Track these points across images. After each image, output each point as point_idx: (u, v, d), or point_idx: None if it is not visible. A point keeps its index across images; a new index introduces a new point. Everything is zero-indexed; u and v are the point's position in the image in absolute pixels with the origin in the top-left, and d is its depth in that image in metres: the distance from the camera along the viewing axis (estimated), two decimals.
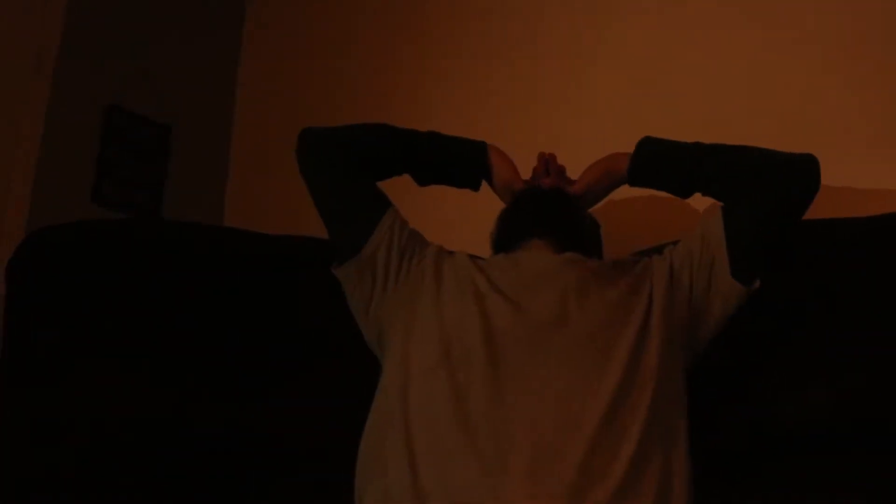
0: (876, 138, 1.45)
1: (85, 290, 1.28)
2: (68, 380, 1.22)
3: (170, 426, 1.22)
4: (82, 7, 2.18)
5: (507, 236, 1.32)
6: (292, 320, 1.33)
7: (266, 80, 2.60)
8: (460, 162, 1.38)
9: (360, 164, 1.30)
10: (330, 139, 1.32)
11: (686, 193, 1.32)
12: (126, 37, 2.28)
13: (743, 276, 1.16)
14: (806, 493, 1.12)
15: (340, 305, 1.26)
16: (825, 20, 1.55)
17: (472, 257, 1.24)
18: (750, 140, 1.27)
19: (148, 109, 2.30)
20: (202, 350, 1.28)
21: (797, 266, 1.22)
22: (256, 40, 2.66)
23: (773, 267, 1.18)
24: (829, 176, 1.19)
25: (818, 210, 1.20)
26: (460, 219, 1.64)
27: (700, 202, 1.37)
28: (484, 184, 1.41)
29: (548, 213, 1.31)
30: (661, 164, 1.31)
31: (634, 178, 1.33)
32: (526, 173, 1.42)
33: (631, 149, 1.33)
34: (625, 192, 1.39)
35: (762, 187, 1.19)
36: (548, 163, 1.41)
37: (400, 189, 1.37)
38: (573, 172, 1.42)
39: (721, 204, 1.23)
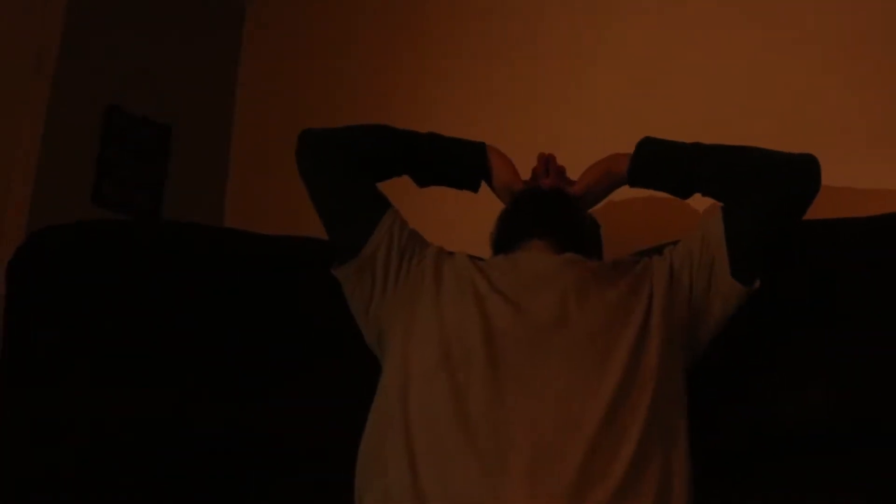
0: (876, 138, 1.45)
1: (85, 291, 1.28)
2: (68, 380, 1.22)
3: (170, 426, 1.22)
4: (82, 7, 2.18)
5: (506, 237, 1.32)
6: (292, 321, 1.33)
7: (266, 80, 2.60)
8: (459, 163, 1.38)
9: (360, 165, 1.29)
10: (329, 140, 1.32)
11: (686, 194, 1.32)
12: (126, 37, 2.28)
13: (743, 276, 1.16)
14: (806, 493, 1.12)
15: (340, 306, 1.26)
16: (825, 20, 1.54)
17: (472, 258, 1.24)
18: (750, 140, 1.27)
19: (148, 110, 2.30)
20: (202, 350, 1.28)
21: (797, 266, 1.22)
22: (256, 40, 2.66)
23: (774, 267, 1.18)
24: (829, 176, 1.19)
25: (818, 210, 1.20)
26: (460, 219, 1.64)
27: (700, 203, 1.37)
28: (483, 184, 1.41)
29: (548, 213, 1.31)
30: (660, 164, 1.31)
31: (634, 179, 1.33)
32: (526, 174, 1.42)
33: (631, 149, 1.33)
34: (625, 192, 1.39)
35: (762, 187, 1.19)
36: (548, 163, 1.41)
37: (400, 190, 1.37)
38: (573, 173, 1.42)
39: (721, 204, 1.23)
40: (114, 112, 2.21)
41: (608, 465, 0.97)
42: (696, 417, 1.10)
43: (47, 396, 1.21)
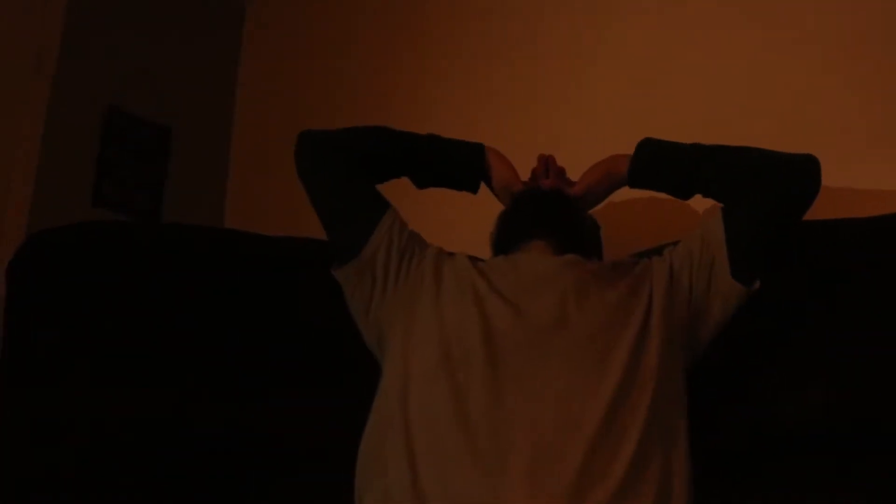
0: (876, 138, 1.44)
1: (85, 292, 1.28)
2: (68, 380, 1.22)
3: (170, 426, 1.22)
4: (82, 7, 2.18)
5: (506, 237, 1.32)
6: (292, 321, 1.33)
7: (266, 80, 2.60)
8: (458, 164, 1.38)
9: (359, 166, 1.29)
10: (328, 142, 1.32)
11: (686, 195, 1.32)
12: (126, 38, 2.28)
13: (743, 276, 1.16)
14: (806, 493, 1.12)
15: (340, 306, 1.26)
16: (825, 20, 1.54)
17: (472, 259, 1.24)
18: (750, 140, 1.26)
19: (148, 110, 2.30)
20: (202, 351, 1.28)
21: (797, 266, 1.22)
22: (256, 40, 2.66)
23: (774, 267, 1.18)
24: (829, 176, 1.19)
25: (818, 211, 1.20)
26: (459, 220, 1.64)
27: (700, 203, 1.37)
28: (483, 186, 1.41)
29: (547, 214, 1.31)
30: (660, 165, 1.31)
31: (634, 180, 1.33)
32: (526, 174, 1.42)
33: (631, 149, 1.33)
34: (625, 193, 1.39)
35: (762, 188, 1.19)
36: (547, 164, 1.41)
37: (399, 191, 1.37)
38: (573, 173, 1.42)
39: (721, 205, 1.23)
40: (114, 113, 2.21)
41: (608, 466, 0.97)
42: (696, 417, 1.10)
43: (47, 397, 1.21)
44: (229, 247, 1.41)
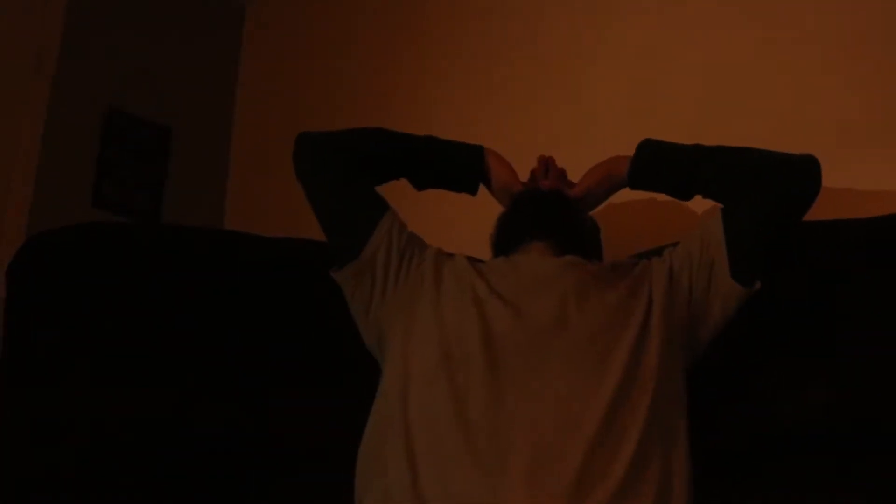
0: (876, 138, 1.44)
1: (85, 292, 1.28)
2: (68, 381, 1.22)
3: (170, 426, 1.22)
4: (82, 8, 2.18)
5: (506, 239, 1.32)
6: (292, 322, 1.33)
7: (266, 80, 2.60)
8: (457, 166, 1.38)
9: (358, 168, 1.29)
10: (327, 143, 1.32)
11: (686, 196, 1.32)
12: (126, 38, 2.29)
13: (743, 277, 1.16)
14: (806, 493, 1.12)
15: (340, 307, 1.26)
16: (825, 20, 1.54)
17: (472, 260, 1.24)
18: (750, 140, 1.26)
19: (148, 111, 2.30)
20: (202, 351, 1.28)
21: (797, 266, 1.22)
22: (256, 40, 2.66)
23: (774, 267, 1.18)
24: (829, 177, 1.19)
25: (817, 211, 1.20)
26: (458, 221, 1.64)
27: (700, 205, 1.37)
28: (482, 187, 1.41)
29: (547, 215, 1.31)
30: (660, 166, 1.30)
31: (634, 181, 1.33)
32: (526, 174, 1.42)
33: (631, 150, 1.33)
34: (624, 194, 1.39)
35: (762, 188, 1.19)
36: (547, 165, 1.41)
37: (398, 192, 1.36)
38: (573, 173, 1.42)
39: (721, 206, 1.22)
40: (114, 113, 2.21)
41: (608, 466, 0.97)
42: (696, 417, 1.10)
43: (47, 397, 1.21)
44: (229, 247, 1.41)
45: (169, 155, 2.33)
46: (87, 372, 1.23)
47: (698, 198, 1.31)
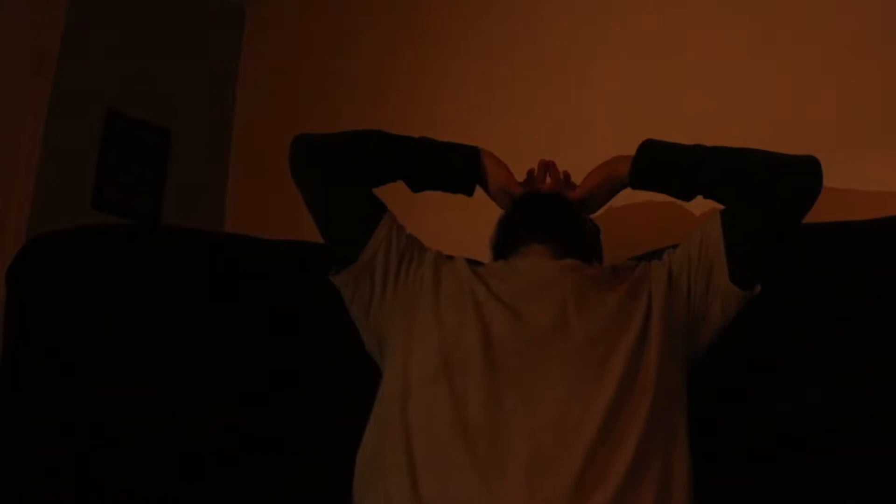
0: (876, 140, 1.44)
1: (85, 294, 1.28)
2: (68, 383, 1.22)
3: (169, 428, 1.22)
4: (82, 11, 2.18)
5: (506, 242, 1.32)
6: (292, 324, 1.33)
7: (266, 82, 2.60)
8: (454, 167, 1.37)
9: (355, 170, 1.29)
10: (323, 146, 1.31)
11: (687, 196, 1.32)
12: (126, 41, 2.29)
13: (742, 280, 1.16)
14: (806, 493, 1.12)
15: (340, 309, 1.26)
16: (825, 20, 1.54)
17: (471, 263, 1.24)
18: (749, 141, 1.26)
19: (148, 113, 2.31)
20: (202, 353, 1.28)
21: (797, 267, 1.22)
22: (256, 42, 2.66)
23: (774, 269, 1.18)
24: (829, 178, 1.18)
25: (817, 213, 1.19)
26: (456, 222, 1.64)
27: (701, 207, 1.37)
28: (478, 188, 1.40)
29: (547, 218, 1.31)
30: (661, 166, 1.30)
31: (635, 181, 1.32)
32: (525, 175, 1.42)
33: (631, 150, 1.32)
34: (625, 196, 1.39)
35: (763, 189, 1.18)
36: (547, 168, 1.41)
37: (396, 194, 1.36)
38: (574, 174, 1.41)
39: (720, 209, 1.22)
40: (114, 116, 2.21)
41: (607, 470, 0.97)
42: (695, 417, 1.10)
43: (47, 399, 1.22)
44: (229, 249, 1.41)
45: (169, 157, 2.34)
46: (87, 374, 1.23)
47: (699, 200, 1.31)
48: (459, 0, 2.18)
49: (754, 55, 1.61)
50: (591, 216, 1.41)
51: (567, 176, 1.41)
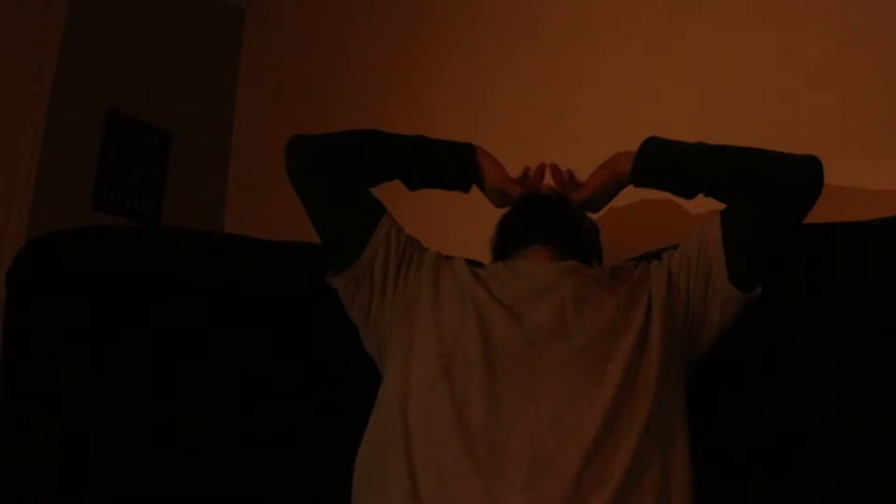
0: (875, 141, 1.44)
1: (85, 296, 1.28)
2: (68, 385, 1.22)
3: (169, 428, 1.22)
4: (83, 13, 2.19)
5: (507, 243, 1.32)
6: (292, 324, 1.33)
7: (265, 84, 2.61)
8: (450, 165, 1.37)
9: (351, 170, 1.28)
10: (319, 147, 1.30)
11: (689, 194, 1.31)
12: (126, 43, 2.29)
13: (741, 281, 1.15)
14: (806, 494, 1.11)
15: (340, 310, 1.27)
16: (825, 22, 1.54)
17: (471, 265, 1.24)
18: (749, 142, 1.26)
19: (148, 115, 2.31)
20: (202, 353, 1.28)
21: (797, 268, 1.22)
22: (256, 44, 2.67)
23: (774, 270, 1.18)
24: (829, 179, 1.18)
25: (818, 213, 1.19)
26: (454, 221, 1.64)
27: (701, 207, 1.37)
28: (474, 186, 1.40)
29: (548, 219, 1.31)
30: (663, 165, 1.29)
31: (637, 179, 1.32)
32: (521, 171, 1.41)
33: (632, 148, 1.32)
34: (625, 196, 1.39)
35: (764, 187, 1.18)
36: (544, 170, 1.40)
37: (397, 193, 1.36)
38: (573, 173, 1.41)
39: (720, 210, 1.22)
40: (114, 117, 2.22)
41: (606, 472, 0.96)
42: (696, 418, 1.10)
43: (47, 401, 1.21)
44: (228, 250, 1.41)
45: (169, 158, 2.34)
46: (87, 374, 1.23)
47: (699, 200, 1.30)
48: (459, 0, 2.19)
49: (755, 55, 1.61)
50: (592, 216, 1.41)
51: (571, 174, 1.41)
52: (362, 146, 1.32)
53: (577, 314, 1.11)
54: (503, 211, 1.39)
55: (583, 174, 1.39)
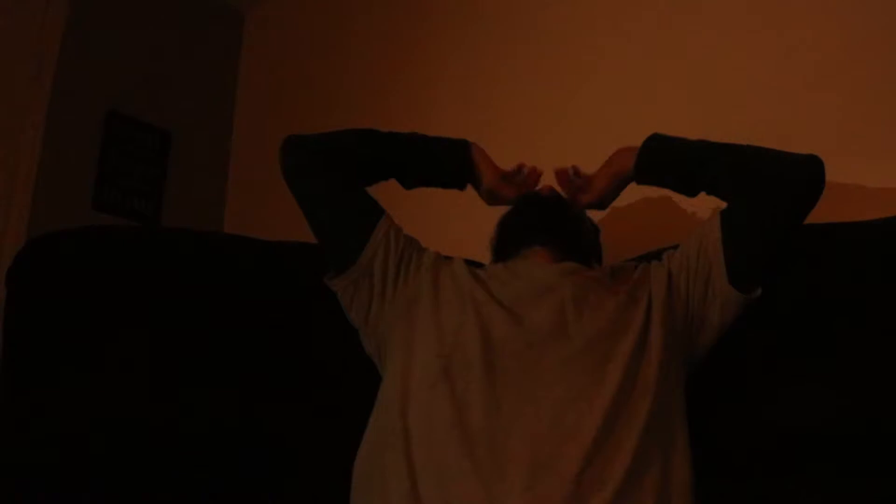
0: (875, 142, 1.44)
1: (85, 296, 1.28)
2: (68, 385, 1.22)
3: (169, 428, 1.22)
4: (83, 13, 2.19)
5: (507, 243, 1.32)
6: (292, 324, 1.33)
7: (265, 84, 2.61)
8: (446, 164, 1.36)
9: (348, 170, 1.28)
10: (314, 146, 1.29)
11: (692, 192, 1.30)
12: (126, 43, 2.30)
13: (741, 282, 1.15)
14: (806, 493, 1.11)
15: (340, 310, 1.27)
16: (825, 23, 1.54)
17: (470, 266, 1.24)
18: (749, 141, 1.26)
19: (148, 115, 2.31)
20: (202, 353, 1.28)
21: (797, 268, 1.21)
22: (256, 44, 2.67)
23: (774, 270, 1.18)
24: (830, 179, 1.18)
25: (818, 213, 1.19)
26: (452, 220, 1.64)
27: (701, 207, 1.37)
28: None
29: (548, 219, 1.31)
30: (665, 162, 1.29)
31: (641, 176, 1.31)
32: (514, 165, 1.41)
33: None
34: (625, 196, 1.39)
35: (765, 187, 1.17)
36: (538, 175, 1.40)
37: (397, 192, 1.36)
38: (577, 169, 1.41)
39: (720, 210, 1.21)
40: (114, 117, 2.22)
41: (605, 473, 0.96)
42: (695, 418, 1.10)
43: (47, 399, 1.21)
44: (228, 250, 1.41)
45: (169, 158, 2.34)
46: (87, 374, 1.23)
47: (700, 200, 1.30)
48: (459, 0, 2.19)
49: (755, 55, 1.62)
50: (591, 216, 1.41)
51: (576, 170, 1.40)
52: (359, 146, 1.31)
53: (577, 315, 1.11)
54: (502, 211, 1.39)
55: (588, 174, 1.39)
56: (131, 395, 1.22)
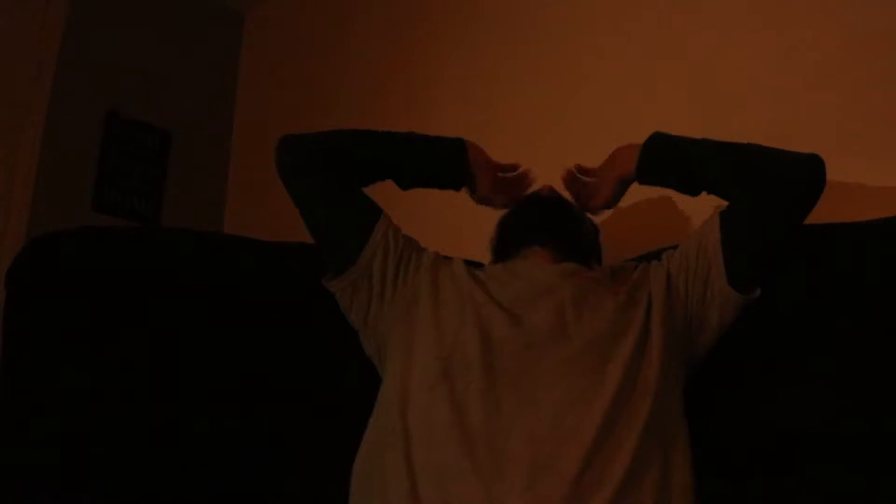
0: (875, 142, 1.44)
1: (85, 296, 1.28)
2: (68, 385, 1.22)
3: (168, 428, 1.22)
4: (82, 14, 2.19)
5: (507, 243, 1.32)
6: (292, 325, 1.33)
7: (265, 84, 2.61)
8: (442, 166, 1.35)
9: (346, 170, 1.27)
10: (311, 146, 1.28)
11: (693, 191, 1.30)
12: (126, 44, 2.30)
13: (740, 283, 1.15)
14: (806, 493, 1.11)
15: (339, 310, 1.26)
16: (825, 23, 1.54)
17: (470, 266, 1.24)
18: (749, 141, 1.26)
19: (148, 115, 2.31)
20: (202, 353, 1.28)
21: (797, 268, 1.21)
22: (255, 45, 2.67)
23: (774, 271, 1.18)
24: (830, 179, 1.18)
25: (818, 213, 1.19)
26: (451, 220, 1.64)
27: (701, 207, 1.37)
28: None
29: (548, 220, 1.31)
30: (666, 161, 1.28)
31: (642, 177, 1.31)
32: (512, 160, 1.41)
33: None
34: (626, 196, 1.38)
35: (765, 186, 1.17)
36: (530, 179, 1.40)
37: (389, 192, 1.36)
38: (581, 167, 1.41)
39: (720, 211, 1.21)
40: (114, 118, 2.22)
41: (605, 474, 0.96)
42: (695, 418, 1.10)
43: (47, 399, 1.21)
44: (228, 251, 1.41)
45: (169, 158, 2.34)
46: (87, 374, 1.23)
47: (700, 200, 1.30)
48: (459, 0, 2.19)
49: (755, 55, 1.61)
50: (591, 217, 1.41)
51: (580, 168, 1.40)
52: (354, 146, 1.30)
53: (577, 316, 1.11)
54: (502, 211, 1.39)
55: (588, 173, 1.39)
56: (131, 394, 1.22)
